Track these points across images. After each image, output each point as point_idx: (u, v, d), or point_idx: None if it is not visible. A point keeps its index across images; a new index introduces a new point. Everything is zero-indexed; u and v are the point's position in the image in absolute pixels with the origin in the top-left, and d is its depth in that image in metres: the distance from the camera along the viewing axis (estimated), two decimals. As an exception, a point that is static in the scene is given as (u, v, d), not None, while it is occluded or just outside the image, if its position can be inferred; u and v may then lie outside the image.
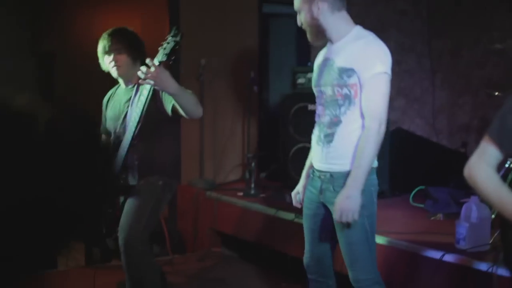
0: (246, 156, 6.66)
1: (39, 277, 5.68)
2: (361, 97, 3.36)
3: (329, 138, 3.45)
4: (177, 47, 4.03)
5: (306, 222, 3.69)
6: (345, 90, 3.38)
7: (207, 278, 5.77)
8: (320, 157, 3.52)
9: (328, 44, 3.61)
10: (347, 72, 3.39)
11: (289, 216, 5.30)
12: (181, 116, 4.24)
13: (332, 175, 3.43)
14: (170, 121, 4.39)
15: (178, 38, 4.04)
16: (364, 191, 3.35)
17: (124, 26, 4.66)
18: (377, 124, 3.31)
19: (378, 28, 7.23)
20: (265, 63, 7.64)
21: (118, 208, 4.45)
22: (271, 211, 5.56)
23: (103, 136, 4.78)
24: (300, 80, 6.09)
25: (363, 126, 3.37)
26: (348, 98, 3.38)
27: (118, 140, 4.44)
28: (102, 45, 4.48)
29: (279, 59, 7.93)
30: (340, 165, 3.40)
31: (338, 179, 3.39)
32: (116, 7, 7.60)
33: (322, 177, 3.49)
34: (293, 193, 3.80)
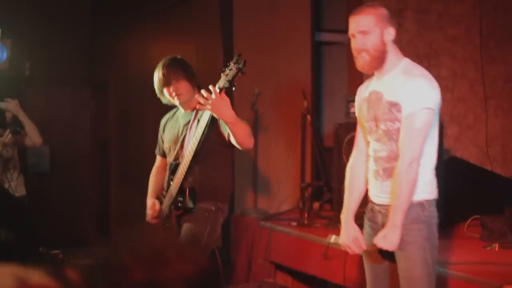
0: (300, 185, 6.64)
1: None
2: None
3: (388, 172, 3.42)
4: (239, 74, 4.05)
5: (366, 258, 3.66)
6: (397, 125, 3.35)
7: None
8: (379, 191, 3.48)
9: (376, 76, 3.54)
10: (395, 106, 3.35)
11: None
12: (233, 145, 4.28)
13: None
14: (226, 147, 4.42)
15: (241, 65, 4.05)
16: (426, 224, 3.32)
17: (174, 55, 4.71)
18: (405, 164, 3.28)
19: (430, 54, 7.23)
20: (318, 91, 7.65)
21: (175, 229, 4.49)
22: (325, 242, 5.54)
23: (158, 158, 4.83)
24: (353, 109, 6.07)
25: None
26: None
27: (176, 162, 4.48)
28: (158, 77, 4.53)
29: (331, 87, 7.93)
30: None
31: None
32: (170, 37, 7.70)
33: (383, 211, 3.45)
34: (347, 242, 3.63)
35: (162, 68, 4.50)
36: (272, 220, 6.44)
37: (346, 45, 7.26)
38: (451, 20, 7.22)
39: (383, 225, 3.40)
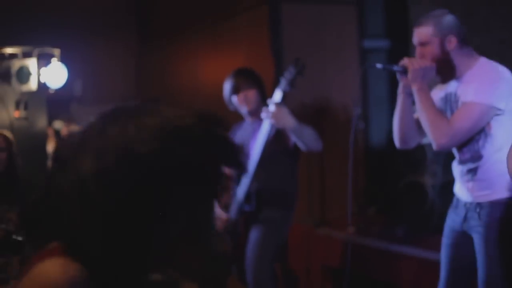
0: (353, 191, 6.69)
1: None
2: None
3: (473, 172, 3.50)
4: (299, 76, 4.17)
5: (445, 251, 3.71)
6: None
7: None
8: (465, 190, 3.57)
9: (453, 79, 3.60)
10: None
11: (402, 249, 5.33)
12: (300, 150, 4.37)
13: (479, 204, 3.48)
14: (291, 155, 4.51)
15: (300, 68, 4.18)
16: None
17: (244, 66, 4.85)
18: (446, 139, 3.44)
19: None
20: (366, 99, 7.69)
21: (243, 235, 4.57)
22: (382, 245, 5.59)
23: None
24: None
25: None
26: (482, 132, 3.43)
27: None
28: (230, 84, 4.66)
29: (378, 93, 7.96)
30: (487, 196, 3.44)
31: (485, 208, 3.44)
32: (220, 52, 7.79)
33: (468, 205, 3.54)
34: None
35: (234, 76, 4.63)
36: (328, 226, 6.49)
37: (386, 52, 7.38)
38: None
39: (465, 219, 3.60)
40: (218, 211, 4.86)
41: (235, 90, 4.68)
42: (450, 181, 5.31)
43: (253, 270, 4.50)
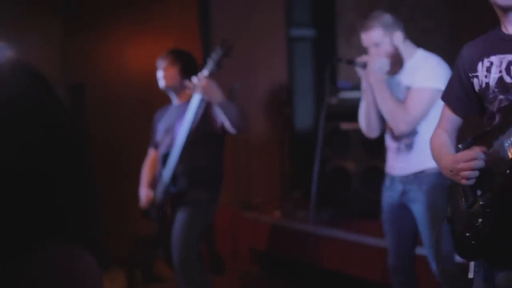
0: (280, 175, 6.81)
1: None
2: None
3: (409, 146, 3.89)
4: (226, 56, 4.27)
5: (388, 226, 4.09)
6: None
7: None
8: (402, 164, 3.94)
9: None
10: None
11: (327, 232, 5.47)
12: (227, 132, 4.44)
13: (416, 176, 3.87)
14: (217, 137, 4.59)
15: (226, 49, 4.28)
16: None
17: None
18: (406, 125, 3.85)
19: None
20: (292, 85, 7.81)
21: (169, 216, 4.63)
22: (308, 228, 5.71)
23: (152, 150, 4.98)
24: (333, 100, 6.21)
25: None
26: None
27: (167, 152, 4.63)
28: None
29: (302, 81, 8.08)
30: (423, 164, 3.81)
31: (422, 178, 3.86)
32: (148, 37, 7.78)
33: (405, 179, 3.92)
34: None
35: (165, 53, 4.73)
36: (255, 209, 6.62)
37: (311, 40, 7.52)
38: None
39: (403, 193, 4.00)
40: (144, 190, 4.89)
41: (158, 68, 4.78)
42: (374, 167, 5.49)
43: (179, 251, 4.54)
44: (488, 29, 2.71)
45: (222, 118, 4.40)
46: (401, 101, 3.88)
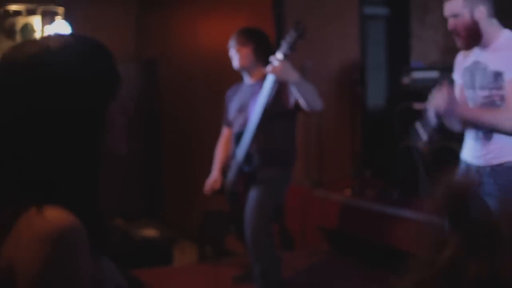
0: (351, 154, 6.81)
1: (155, 272, 5.94)
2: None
3: (488, 136, 3.74)
4: (300, 39, 4.29)
5: None
6: (501, 92, 3.65)
7: (315, 274, 5.94)
8: (479, 153, 3.80)
9: (478, 48, 3.82)
10: (501, 75, 3.64)
11: (397, 212, 5.47)
12: (301, 109, 4.47)
13: (493, 169, 3.73)
14: (290, 115, 4.62)
15: (301, 31, 4.29)
16: None
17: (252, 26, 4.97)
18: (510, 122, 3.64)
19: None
20: (364, 64, 7.78)
21: (242, 195, 4.69)
22: (377, 207, 5.72)
23: (225, 128, 5.04)
24: (406, 80, 6.18)
25: None
26: (504, 100, 3.67)
27: (241, 131, 4.69)
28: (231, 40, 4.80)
29: (374, 60, 8.04)
30: (500, 158, 3.70)
31: (500, 172, 3.71)
32: (221, 12, 7.83)
33: (482, 170, 3.78)
34: None
35: (237, 32, 4.76)
36: (326, 188, 6.62)
37: (384, 19, 7.46)
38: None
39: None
40: (214, 174, 4.98)
41: (231, 45, 4.81)
42: (446, 147, 5.45)
43: (251, 229, 4.61)
44: None
45: (297, 97, 4.43)
46: (486, 85, 3.72)
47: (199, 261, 6.53)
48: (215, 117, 5.62)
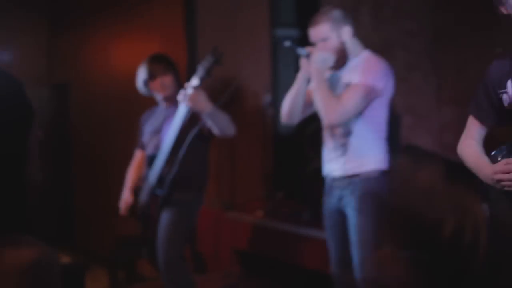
0: (263, 176, 6.80)
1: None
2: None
3: (344, 147, 3.89)
4: (217, 64, 4.30)
5: (329, 233, 4.11)
6: None
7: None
8: (337, 165, 3.96)
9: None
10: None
11: (309, 232, 5.48)
12: (214, 135, 4.47)
13: (350, 180, 3.88)
14: (203, 139, 4.61)
15: (217, 56, 4.31)
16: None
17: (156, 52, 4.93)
18: (336, 115, 3.85)
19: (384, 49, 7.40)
20: (276, 86, 7.80)
21: (154, 218, 4.65)
22: (289, 228, 5.72)
23: (138, 151, 5.00)
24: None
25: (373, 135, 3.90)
26: None
27: (154, 154, 4.66)
28: (145, 70, 4.71)
29: (286, 82, 8.07)
30: (357, 168, 3.86)
31: (357, 183, 3.86)
32: (134, 33, 7.78)
33: (340, 183, 3.94)
34: None
35: (150, 62, 4.69)
36: (237, 210, 6.61)
37: (296, 40, 7.49)
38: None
39: (340, 199, 4.03)
40: (125, 194, 4.94)
41: (151, 77, 4.74)
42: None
43: (164, 251, 4.57)
44: (470, 32, 2.85)
45: (209, 125, 4.43)
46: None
47: (111, 287, 6.42)
48: (129, 141, 5.56)
